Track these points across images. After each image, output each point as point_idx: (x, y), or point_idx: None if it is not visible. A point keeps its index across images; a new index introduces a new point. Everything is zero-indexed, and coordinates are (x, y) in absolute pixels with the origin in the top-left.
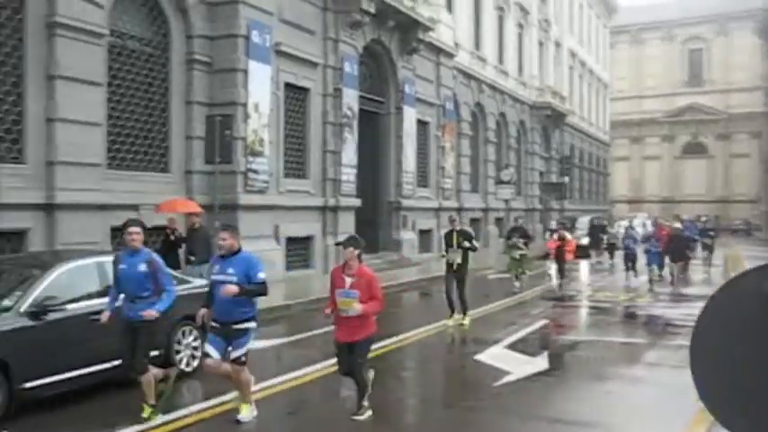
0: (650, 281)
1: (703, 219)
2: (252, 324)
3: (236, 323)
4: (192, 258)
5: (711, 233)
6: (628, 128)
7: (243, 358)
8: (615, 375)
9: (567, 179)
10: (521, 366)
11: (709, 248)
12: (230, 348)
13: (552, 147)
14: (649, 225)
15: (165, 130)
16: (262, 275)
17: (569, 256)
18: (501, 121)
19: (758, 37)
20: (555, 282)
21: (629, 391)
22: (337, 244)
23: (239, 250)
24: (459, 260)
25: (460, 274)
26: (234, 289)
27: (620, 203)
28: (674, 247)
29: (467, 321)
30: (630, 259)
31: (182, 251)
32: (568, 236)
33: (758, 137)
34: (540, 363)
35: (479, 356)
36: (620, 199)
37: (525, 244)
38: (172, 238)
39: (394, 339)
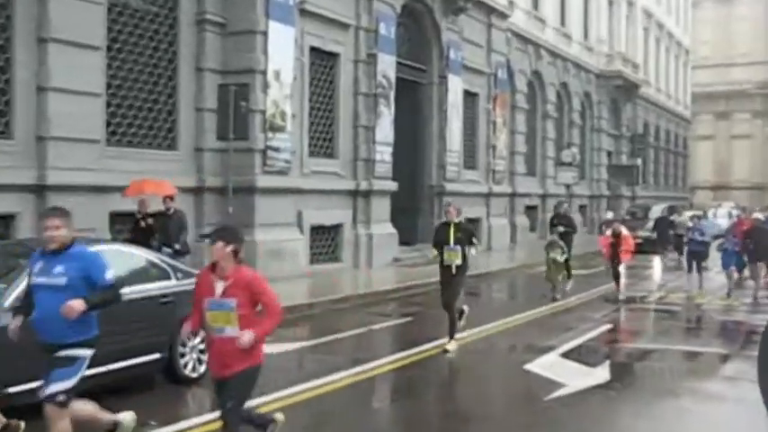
0: (729, 289)
1: None
2: (83, 352)
3: (62, 347)
4: (170, 249)
5: None
6: (713, 101)
7: (61, 397)
8: (688, 390)
9: (639, 161)
10: (578, 378)
11: None
12: (46, 381)
13: (623, 123)
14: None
15: (173, 101)
16: (109, 277)
17: (627, 257)
18: (562, 92)
19: None
20: (615, 286)
21: (703, 409)
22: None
23: (72, 243)
24: (458, 261)
25: (457, 279)
26: (77, 307)
27: (702, 190)
28: (754, 244)
29: (452, 347)
30: (695, 257)
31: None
32: (625, 231)
33: None
34: (601, 374)
35: (530, 366)
36: (702, 185)
37: (566, 234)
38: (143, 224)
39: (434, 344)
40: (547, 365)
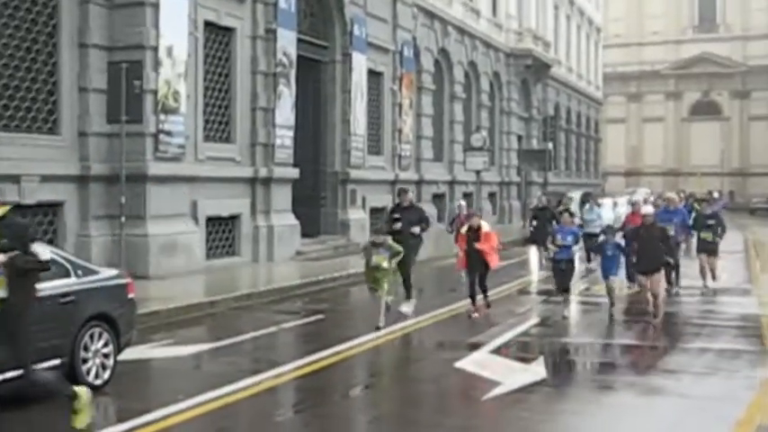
0: (609, 311)
1: (715, 195)
2: None
3: None
4: None
5: (711, 221)
6: (624, 82)
7: None
8: (628, 385)
9: (551, 145)
10: (513, 375)
11: (708, 248)
12: None
13: (533, 105)
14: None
15: (53, 80)
16: None
17: (494, 259)
18: (471, 72)
19: None
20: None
21: (646, 404)
22: None
23: None
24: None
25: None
26: None
27: (614, 176)
28: (644, 248)
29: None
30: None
31: None
32: (486, 226)
33: None
34: (537, 370)
35: (460, 364)
36: (614, 170)
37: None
38: None
39: (343, 347)
40: (479, 363)
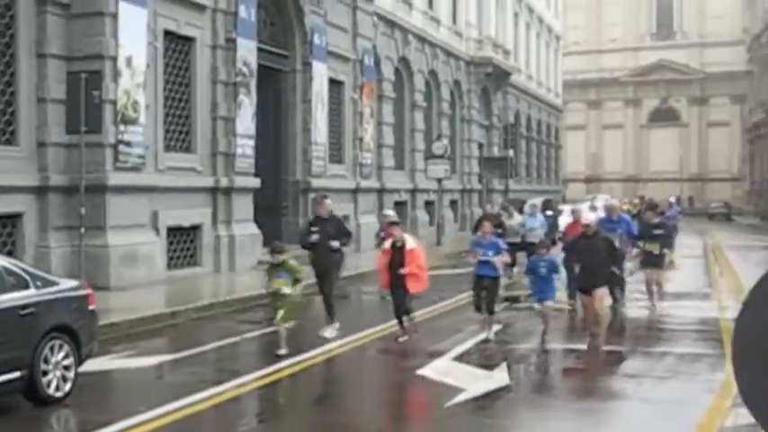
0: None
1: (671, 199)
2: None
3: None
4: None
5: (658, 231)
6: (584, 89)
7: None
8: (591, 390)
9: (512, 153)
10: (477, 382)
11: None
12: None
13: (494, 113)
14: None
15: (11, 90)
16: None
17: (417, 284)
18: (431, 81)
19: None
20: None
21: (608, 409)
22: None
23: None
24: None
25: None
26: None
27: (575, 183)
28: (585, 262)
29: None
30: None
31: None
32: (412, 242)
33: (740, 101)
34: (500, 377)
35: (423, 371)
36: (574, 177)
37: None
38: None
39: (306, 356)
40: (442, 370)
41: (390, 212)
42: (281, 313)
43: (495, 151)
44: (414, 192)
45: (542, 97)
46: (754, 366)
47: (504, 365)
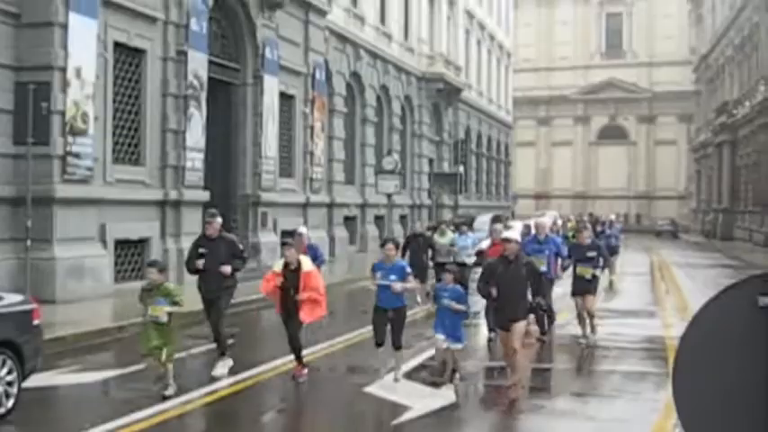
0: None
1: (611, 217)
2: None
3: None
4: None
5: (591, 253)
6: (534, 106)
7: None
8: (538, 408)
9: (462, 169)
10: (423, 400)
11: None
12: None
13: (444, 129)
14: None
15: None
16: None
17: (312, 312)
18: (382, 96)
19: (686, 0)
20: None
21: (554, 428)
22: None
23: None
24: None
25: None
26: None
27: (524, 199)
28: (504, 291)
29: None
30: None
31: None
32: (307, 263)
33: (687, 120)
34: (447, 395)
35: (370, 389)
36: (524, 193)
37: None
38: None
39: (253, 372)
40: (388, 387)
41: (303, 230)
42: (164, 353)
43: (446, 167)
44: (364, 207)
45: (493, 114)
46: (696, 393)
47: (450, 383)
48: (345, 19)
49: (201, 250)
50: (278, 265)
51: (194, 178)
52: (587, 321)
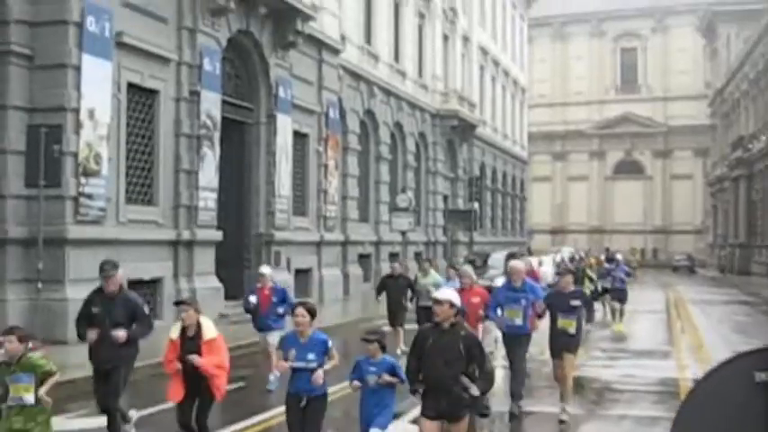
0: None
1: (618, 256)
2: None
3: None
4: None
5: (575, 302)
6: (549, 141)
7: None
8: None
9: (477, 205)
10: None
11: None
12: None
13: (459, 165)
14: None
15: None
16: None
17: (220, 385)
18: (396, 133)
19: (701, 35)
20: None
21: None
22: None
23: None
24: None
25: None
26: None
27: (540, 234)
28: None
29: None
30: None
31: None
32: (209, 327)
33: (703, 155)
34: None
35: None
36: (540, 228)
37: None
38: None
39: (266, 415)
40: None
41: (266, 270)
42: None
43: (461, 203)
44: (378, 244)
45: (508, 149)
46: None
47: None
48: (359, 57)
49: (95, 310)
50: (174, 331)
51: (207, 218)
52: (568, 389)
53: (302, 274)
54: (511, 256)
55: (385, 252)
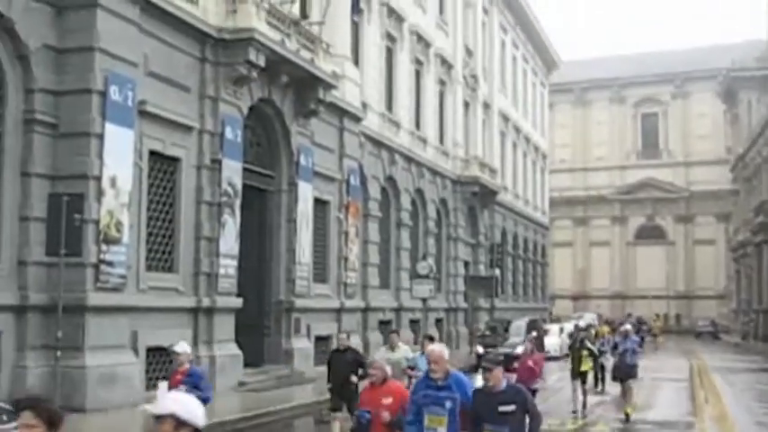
0: None
1: (627, 327)
2: None
3: None
4: None
5: (507, 406)
6: (571, 207)
7: None
8: None
9: (498, 271)
10: None
11: None
12: None
13: (480, 231)
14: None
15: None
16: None
17: None
18: (417, 199)
19: (721, 101)
20: None
21: None
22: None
23: None
24: None
25: None
26: None
27: (561, 300)
28: None
29: None
30: None
31: None
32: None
33: (725, 220)
34: None
35: None
36: (562, 294)
37: None
38: None
39: None
40: None
41: (182, 348)
42: None
43: (482, 269)
44: (399, 310)
45: (529, 215)
46: None
47: None
48: (380, 124)
49: None
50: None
51: (227, 285)
52: None
53: (322, 341)
54: (532, 324)
55: (406, 318)
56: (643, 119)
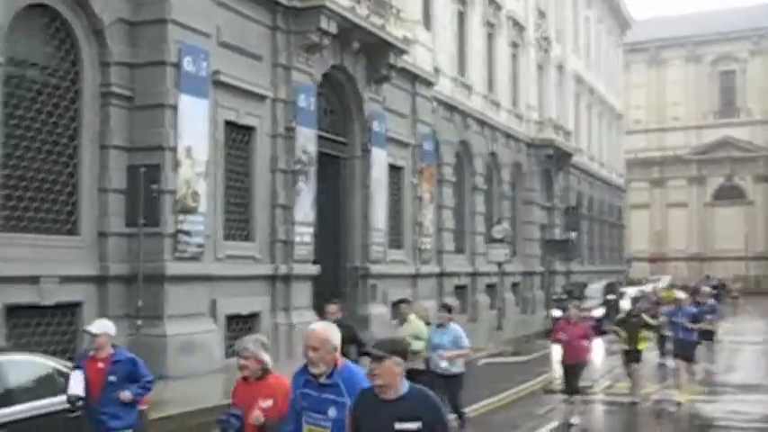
0: None
1: (680, 294)
2: None
3: None
4: None
5: (409, 424)
6: (647, 168)
7: None
8: None
9: (574, 234)
10: None
11: None
12: None
13: (555, 194)
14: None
15: (74, 181)
16: None
17: None
18: (491, 163)
19: None
20: None
21: None
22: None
23: None
24: None
25: None
26: None
27: (639, 262)
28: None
29: None
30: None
31: None
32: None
33: None
34: None
35: None
36: (638, 256)
37: None
38: None
39: None
40: None
41: (96, 329)
42: None
43: (557, 233)
44: (474, 275)
45: (604, 177)
46: None
47: None
48: (452, 88)
49: None
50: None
51: (304, 252)
52: None
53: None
54: (610, 287)
55: (482, 283)
56: (720, 77)
